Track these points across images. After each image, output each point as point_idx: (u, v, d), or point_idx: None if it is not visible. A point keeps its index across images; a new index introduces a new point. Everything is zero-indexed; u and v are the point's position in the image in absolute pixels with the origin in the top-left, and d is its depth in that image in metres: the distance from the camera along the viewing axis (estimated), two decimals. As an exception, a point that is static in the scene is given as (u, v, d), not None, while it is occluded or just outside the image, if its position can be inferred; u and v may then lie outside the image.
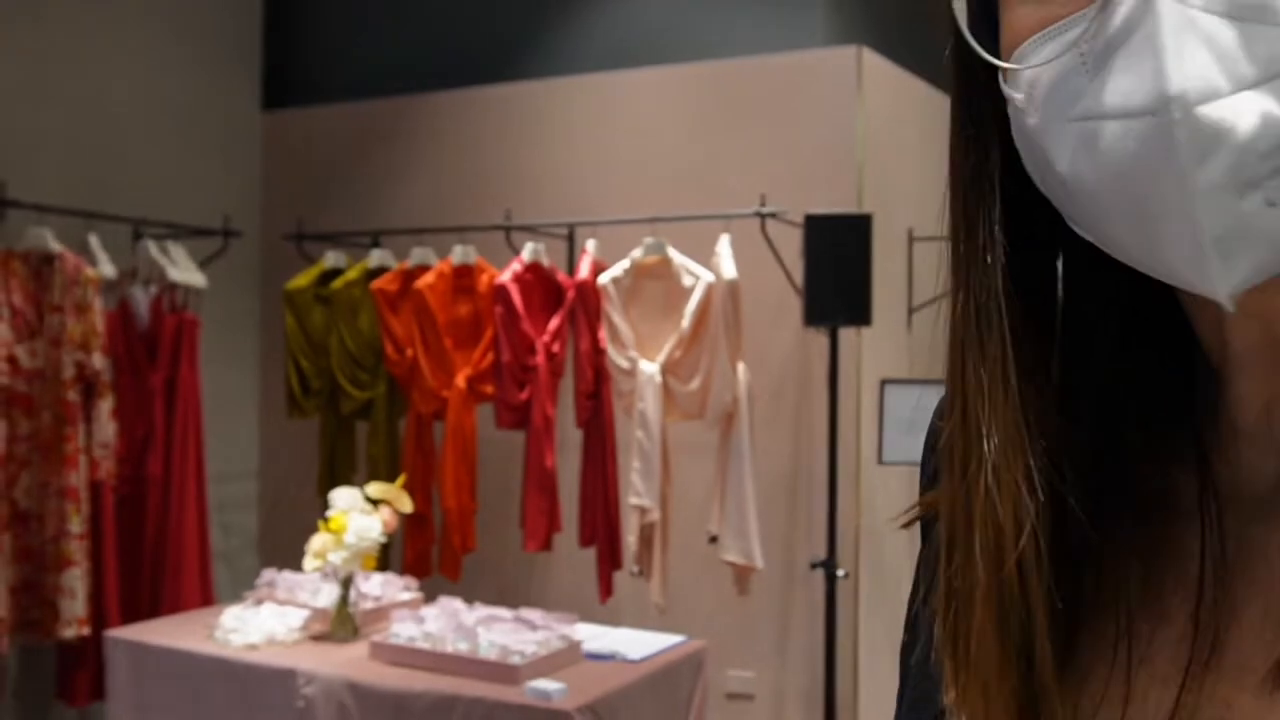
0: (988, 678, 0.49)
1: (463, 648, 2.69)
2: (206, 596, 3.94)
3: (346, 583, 2.97)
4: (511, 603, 3.46)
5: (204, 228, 4.25)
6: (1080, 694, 0.49)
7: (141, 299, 3.86)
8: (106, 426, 3.57)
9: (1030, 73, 0.46)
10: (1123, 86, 0.42)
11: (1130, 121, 0.41)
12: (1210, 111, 0.39)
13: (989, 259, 0.53)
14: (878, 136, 4.05)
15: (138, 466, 3.84)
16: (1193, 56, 0.40)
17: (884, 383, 3.86)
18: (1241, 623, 0.47)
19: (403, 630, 2.80)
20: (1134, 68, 0.41)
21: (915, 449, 0.78)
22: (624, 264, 3.78)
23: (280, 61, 5.14)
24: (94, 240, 3.77)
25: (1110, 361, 0.53)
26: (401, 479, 3.13)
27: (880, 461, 3.84)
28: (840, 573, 3.63)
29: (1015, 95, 0.48)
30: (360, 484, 3.23)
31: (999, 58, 0.48)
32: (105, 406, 3.57)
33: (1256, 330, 0.47)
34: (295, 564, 3.51)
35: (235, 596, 4.03)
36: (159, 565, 3.86)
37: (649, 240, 3.76)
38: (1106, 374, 0.53)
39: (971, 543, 0.49)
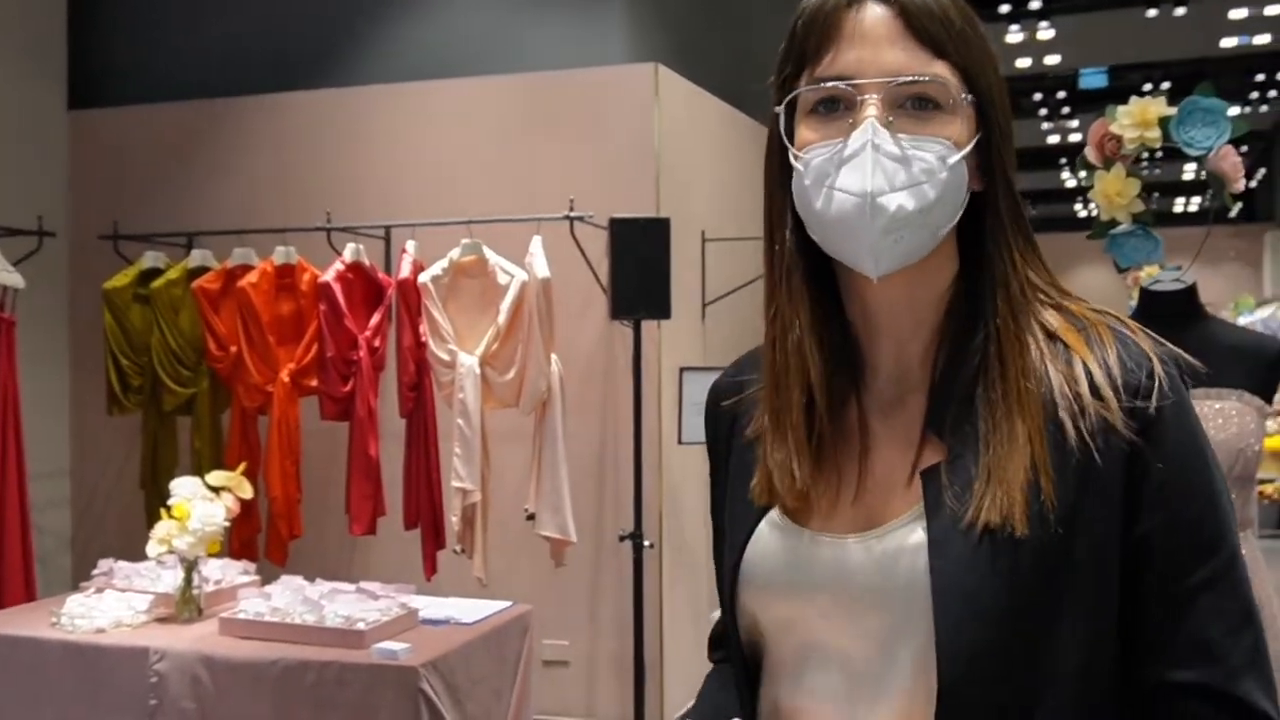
0: (795, 438, 0.98)
1: (309, 619, 2.92)
2: (30, 593, 3.99)
3: (190, 567, 3.14)
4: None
5: (16, 228, 4.26)
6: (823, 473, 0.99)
7: (-43, 300, 3.87)
8: (-72, 427, 3.59)
9: (808, 157, 0.92)
10: (850, 179, 0.90)
11: (852, 195, 0.90)
12: (881, 199, 0.89)
13: (787, 233, 0.98)
14: (673, 146, 4.45)
15: (-44, 466, 3.85)
16: (876, 176, 0.89)
17: (682, 370, 4.26)
18: (880, 454, 0.98)
19: (250, 606, 3.00)
20: (855, 172, 0.89)
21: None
22: (443, 263, 4.04)
23: (86, 61, 5.13)
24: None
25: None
26: (242, 466, 3.31)
27: (680, 442, 4.24)
28: (646, 543, 4.01)
29: (799, 167, 0.94)
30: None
31: (794, 147, 0.95)
32: (-75, 407, 3.59)
33: (878, 326, 0.98)
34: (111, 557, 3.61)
35: (52, 595, 4.08)
36: (-20, 563, 3.88)
37: (466, 241, 4.04)
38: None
39: (788, 375, 0.98)
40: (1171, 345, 0.94)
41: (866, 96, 0.89)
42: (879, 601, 0.91)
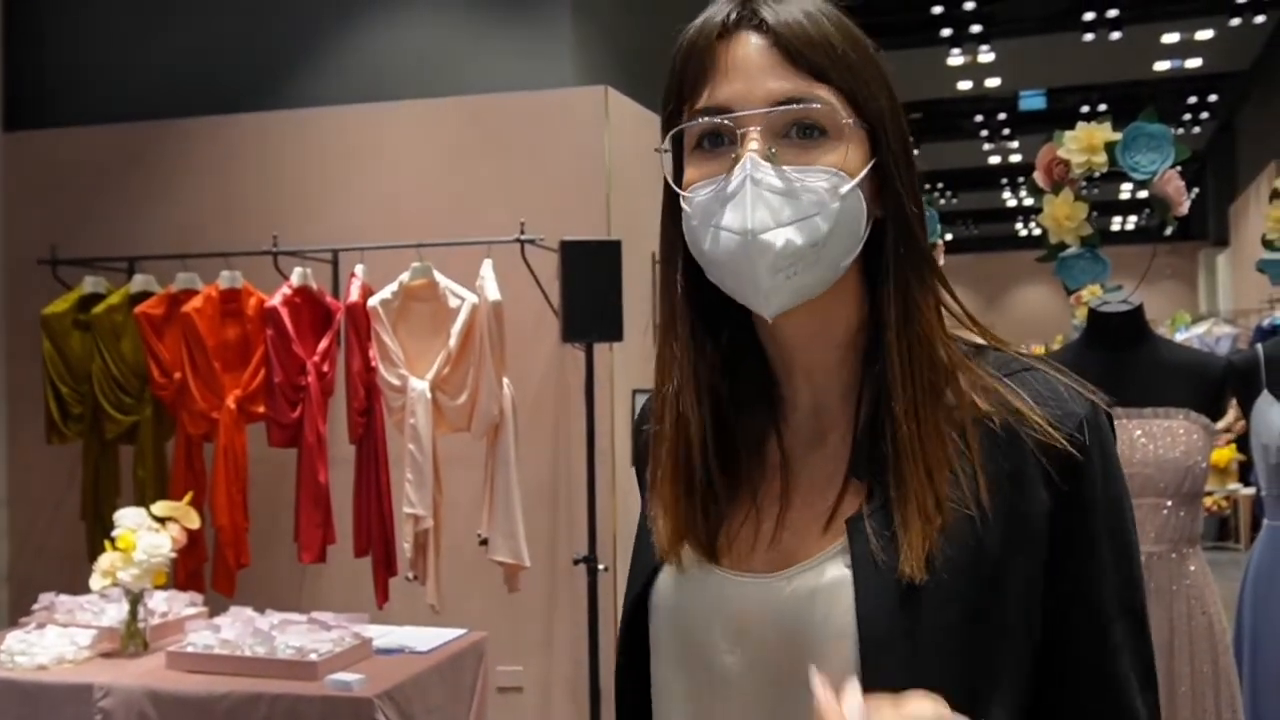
0: (674, 497, 0.94)
1: (260, 651, 2.86)
2: (-34, 629, 3.87)
3: (135, 599, 3.07)
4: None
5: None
6: (726, 517, 0.95)
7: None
8: None
9: (693, 196, 0.89)
10: (732, 218, 0.86)
11: (734, 234, 0.85)
12: (763, 236, 0.85)
13: (677, 275, 0.95)
14: (623, 168, 4.45)
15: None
16: (757, 212, 0.85)
17: (635, 392, 4.26)
18: (800, 493, 0.93)
19: (199, 639, 2.94)
20: (737, 210, 0.85)
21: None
22: (392, 287, 4.00)
23: (22, 82, 5.03)
24: None
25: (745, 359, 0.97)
26: (189, 496, 3.25)
27: (633, 464, 4.23)
28: (601, 566, 3.99)
29: (686, 208, 0.90)
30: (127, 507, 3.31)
31: (682, 188, 0.91)
32: None
33: (791, 361, 0.95)
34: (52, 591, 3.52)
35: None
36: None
37: (416, 264, 4.01)
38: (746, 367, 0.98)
39: (665, 426, 0.95)
40: (1095, 389, 0.91)
41: (747, 129, 0.85)
42: (784, 640, 0.88)
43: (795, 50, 0.86)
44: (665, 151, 0.92)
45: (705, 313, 0.94)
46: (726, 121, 0.86)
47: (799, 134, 0.86)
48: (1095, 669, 0.88)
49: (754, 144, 0.85)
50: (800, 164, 0.86)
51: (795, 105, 0.86)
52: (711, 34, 0.89)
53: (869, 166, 0.88)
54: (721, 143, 0.88)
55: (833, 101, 0.86)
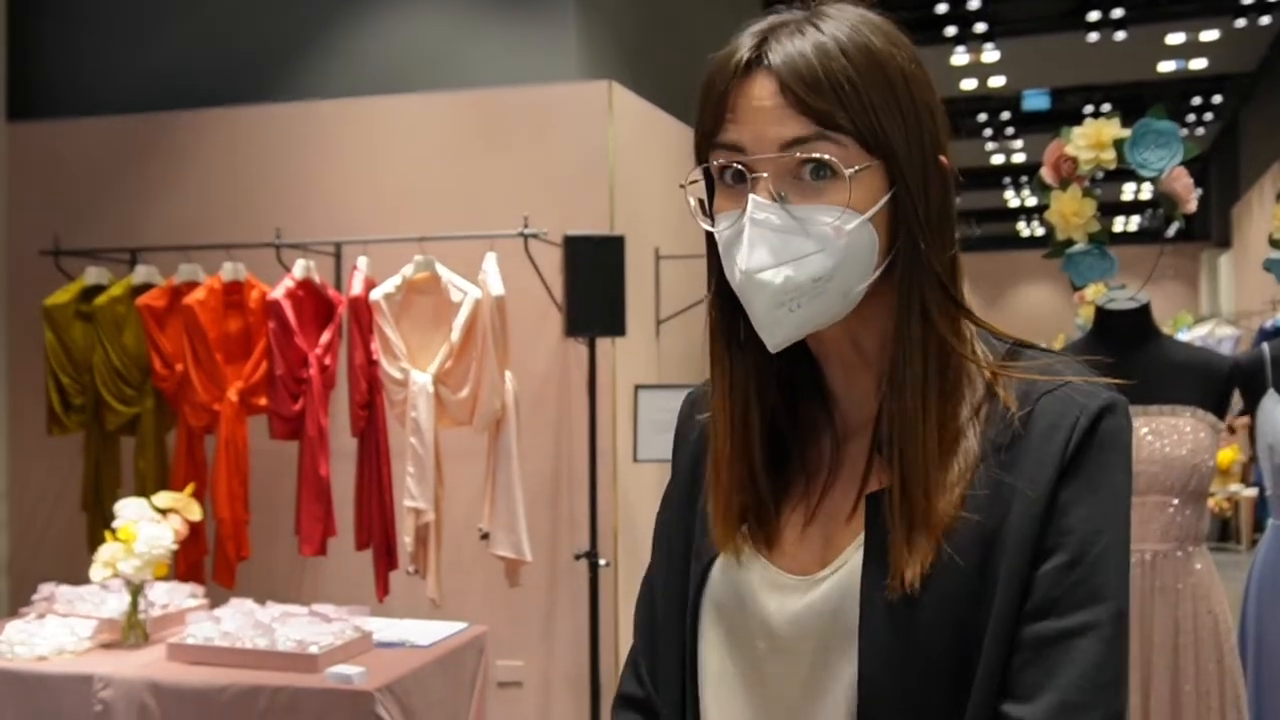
0: (730, 487, 0.99)
1: (261, 643, 2.86)
2: (-34, 619, 3.86)
3: (136, 590, 3.06)
4: (290, 607, 3.61)
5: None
6: (781, 500, 1.01)
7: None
8: None
9: (719, 228, 0.94)
10: (739, 256, 0.90)
11: (739, 272, 0.91)
12: (760, 275, 0.89)
13: (711, 295, 1.00)
14: (627, 163, 4.44)
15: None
16: (755, 251, 0.90)
17: (637, 388, 4.24)
18: (840, 481, 0.99)
19: (199, 630, 2.93)
20: (741, 249, 0.90)
21: (666, 447, 1.15)
22: (395, 280, 3.99)
23: (26, 72, 5.02)
24: None
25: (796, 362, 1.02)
26: (190, 487, 3.24)
27: (635, 459, 4.22)
28: (602, 562, 3.98)
29: (719, 239, 0.95)
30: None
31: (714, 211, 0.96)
32: None
33: (828, 357, 1.00)
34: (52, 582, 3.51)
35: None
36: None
37: (419, 258, 4.00)
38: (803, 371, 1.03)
39: (724, 425, 0.99)
40: (1112, 379, 0.93)
41: (757, 175, 0.89)
42: (816, 645, 0.94)
43: (801, 96, 0.88)
44: (695, 182, 0.97)
45: None
46: (738, 165, 0.91)
47: (812, 174, 0.89)
48: (1041, 655, 0.86)
49: (761, 186, 0.89)
50: (808, 203, 0.89)
51: (801, 152, 0.89)
52: (729, 75, 0.92)
53: (885, 199, 0.91)
54: (742, 179, 0.91)
55: (840, 144, 0.89)
